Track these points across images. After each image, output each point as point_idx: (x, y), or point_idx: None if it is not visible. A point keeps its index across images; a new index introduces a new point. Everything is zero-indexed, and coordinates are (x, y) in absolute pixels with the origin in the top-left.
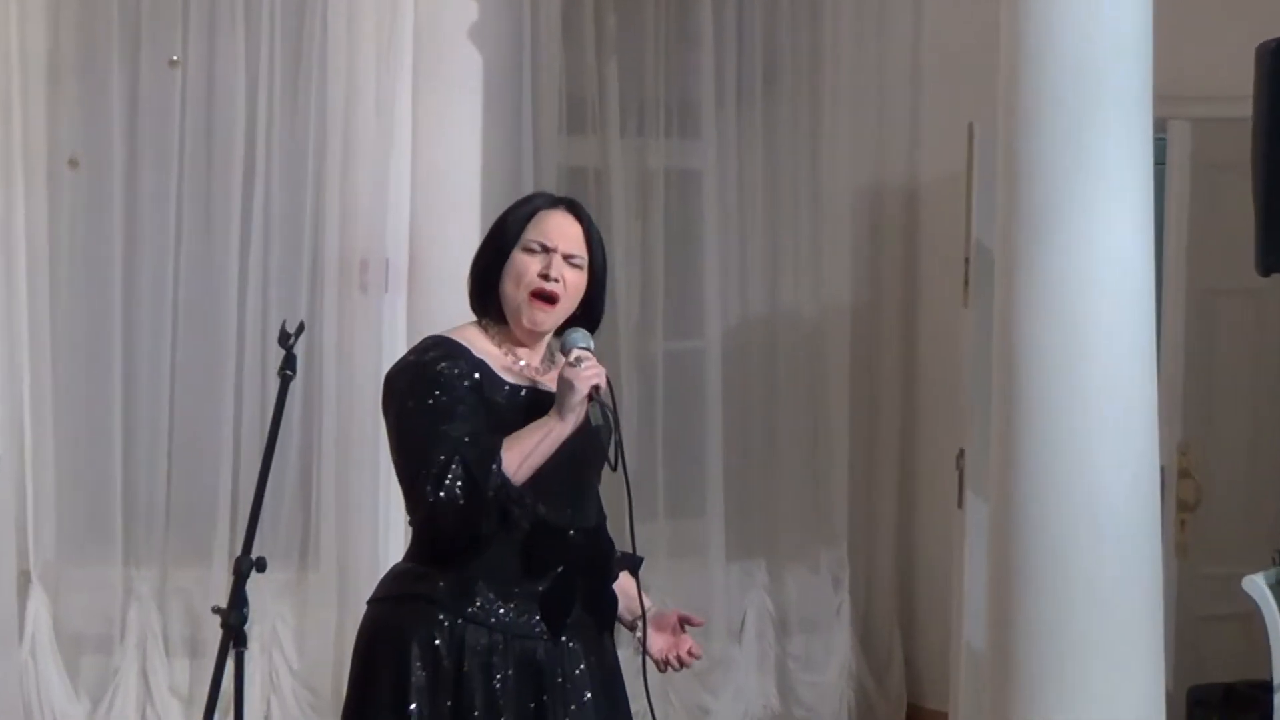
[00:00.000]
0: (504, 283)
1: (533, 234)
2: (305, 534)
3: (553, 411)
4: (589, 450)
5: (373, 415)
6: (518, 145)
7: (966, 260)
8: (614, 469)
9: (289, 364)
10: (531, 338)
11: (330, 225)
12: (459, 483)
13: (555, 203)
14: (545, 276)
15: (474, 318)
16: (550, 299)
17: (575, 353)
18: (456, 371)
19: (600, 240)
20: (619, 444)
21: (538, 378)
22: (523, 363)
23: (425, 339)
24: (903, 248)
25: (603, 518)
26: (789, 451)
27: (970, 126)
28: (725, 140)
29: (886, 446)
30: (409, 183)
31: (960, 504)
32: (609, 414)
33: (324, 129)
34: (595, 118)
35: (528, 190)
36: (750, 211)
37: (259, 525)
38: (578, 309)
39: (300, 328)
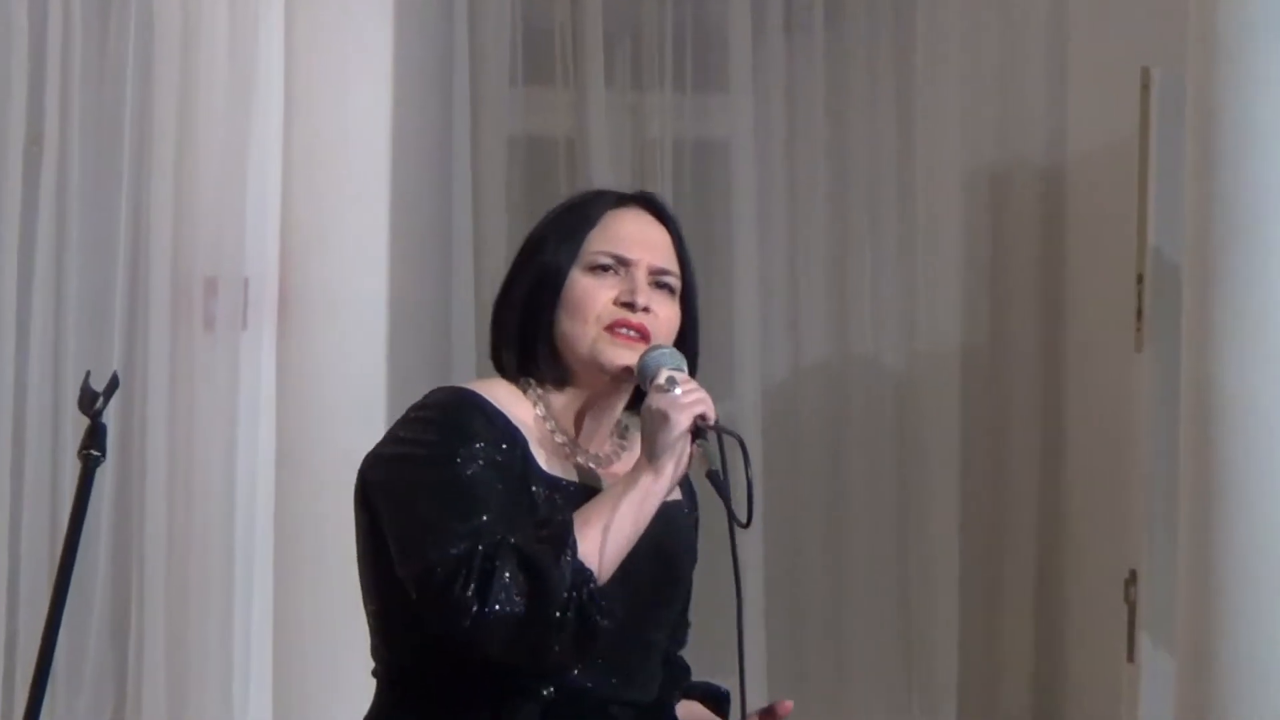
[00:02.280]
0: (559, 323)
1: (600, 243)
2: (120, 689)
3: (640, 461)
4: (664, 546)
5: (222, 511)
6: (447, 104)
7: (1139, 279)
8: (745, 525)
9: (95, 439)
10: (595, 399)
11: (158, 231)
12: (514, 585)
13: (624, 200)
14: (629, 305)
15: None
16: (639, 330)
17: (665, 374)
18: (487, 439)
19: (690, 256)
20: (749, 499)
21: (599, 468)
22: (572, 446)
23: (433, 391)
24: (1041, 261)
25: (676, 681)
26: (865, 574)
27: (1145, 74)
28: (765, 95)
29: (1016, 567)
30: (279, 164)
31: (1130, 656)
32: (723, 460)
33: (147, 85)
34: (567, 61)
35: (459, 173)
36: (804, 205)
37: (50, 676)
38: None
39: (113, 384)
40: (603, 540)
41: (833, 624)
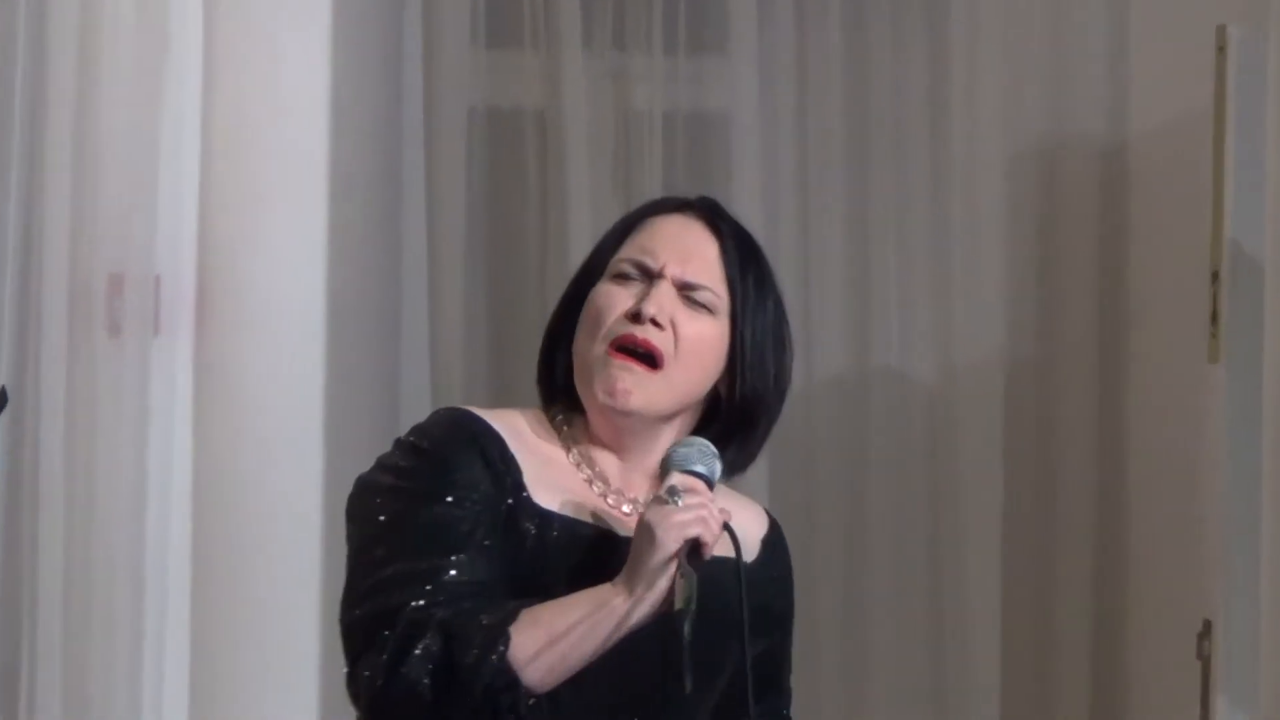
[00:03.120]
0: (577, 340)
1: (628, 249)
2: None
3: (619, 576)
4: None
5: (130, 546)
6: (396, 70)
7: (1214, 277)
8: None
9: None
10: (619, 436)
11: (53, 220)
12: (429, 662)
13: (680, 206)
14: (636, 317)
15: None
16: (647, 355)
17: (675, 478)
18: (470, 475)
19: (763, 276)
20: (744, 661)
21: (622, 513)
22: (602, 485)
23: (436, 412)
24: (1098, 257)
25: None
26: (889, 630)
27: (1221, 33)
28: (772, 60)
29: (1070, 619)
30: (197, 141)
31: (1206, 718)
32: (693, 603)
33: (39, 49)
34: (537, 19)
35: (411, 151)
36: (817, 191)
37: None
38: (716, 401)
39: None
40: (543, 650)
41: (853, 686)
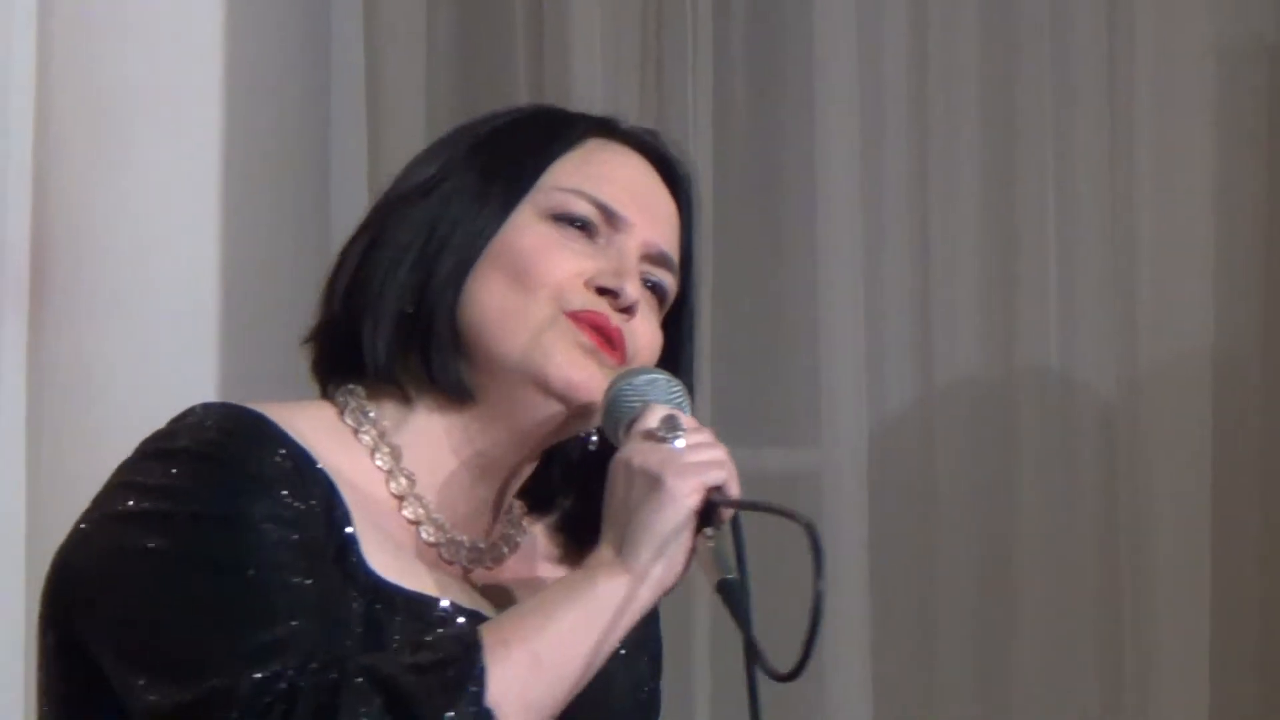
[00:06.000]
0: (475, 289)
1: (576, 178)
2: None
3: (601, 555)
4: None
5: None
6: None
7: None
8: (785, 678)
9: None
10: (501, 455)
11: None
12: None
13: (619, 132)
14: (610, 293)
15: (315, 393)
16: (611, 341)
17: (661, 413)
18: (290, 488)
19: (694, 250)
20: (750, 646)
21: (476, 568)
22: (432, 529)
23: (187, 412)
24: None
25: None
26: (1050, 688)
27: None
28: None
29: None
30: (30, 60)
31: None
32: (741, 562)
33: None
34: None
35: (348, 116)
36: (941, 92)
37: None
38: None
39: None
40: (530, 676)
41: None
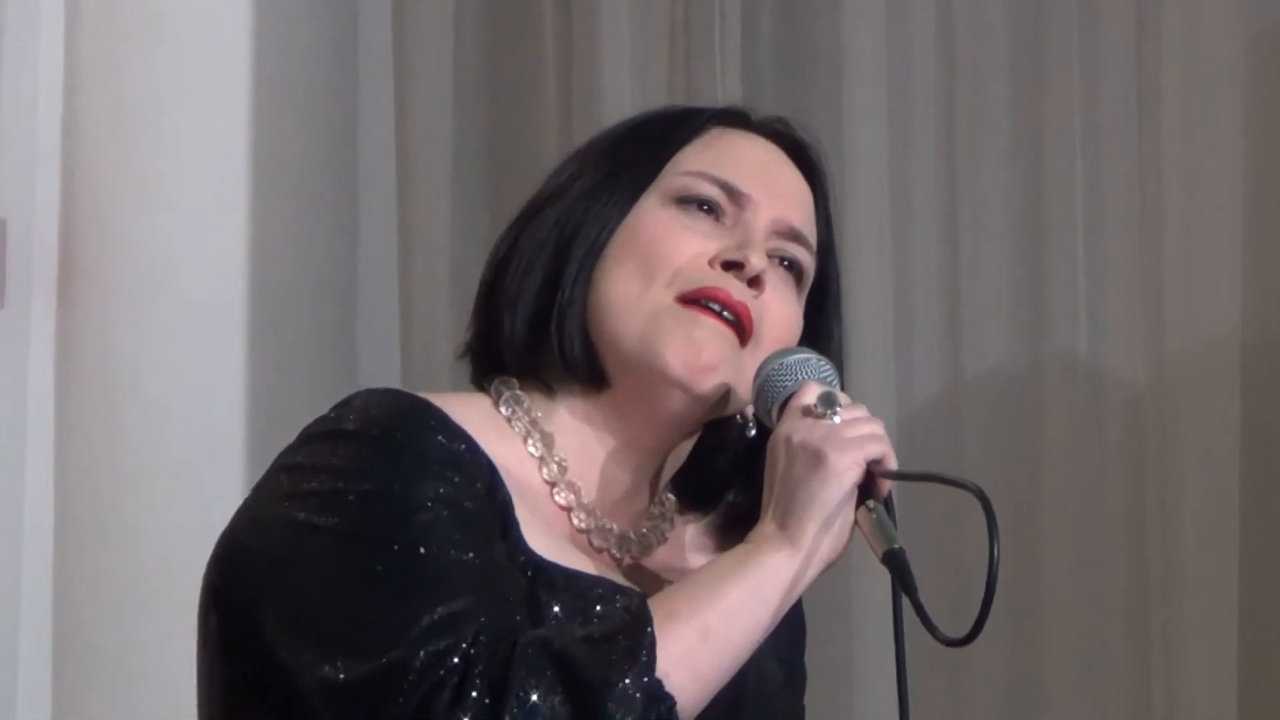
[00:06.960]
0: (600, 283)
1: (698, 161)
2: None
3: (763, 530)
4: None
5: None
6: None
7: None
8: (958, 643)
9: None
10: (639, 436)
11: None
12: (547, 711)
13: (743, 120)
14: (736, 265)
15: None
16: (738, 316)
17: (816, 389)
18: (459, 472)
19: (833, 234)
20: (922, 613)
21: (625, 558)
22: (584, 516)
23: (352, 397)
24: None
25: None
26: (1082, 684)
27: None
28: None
29: None
30: (60, 36)
31: None
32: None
33: None
34: None
35: (372, 36)
36: (969, 81)
37: None
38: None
39: None
40: (699, 648)
41: None
